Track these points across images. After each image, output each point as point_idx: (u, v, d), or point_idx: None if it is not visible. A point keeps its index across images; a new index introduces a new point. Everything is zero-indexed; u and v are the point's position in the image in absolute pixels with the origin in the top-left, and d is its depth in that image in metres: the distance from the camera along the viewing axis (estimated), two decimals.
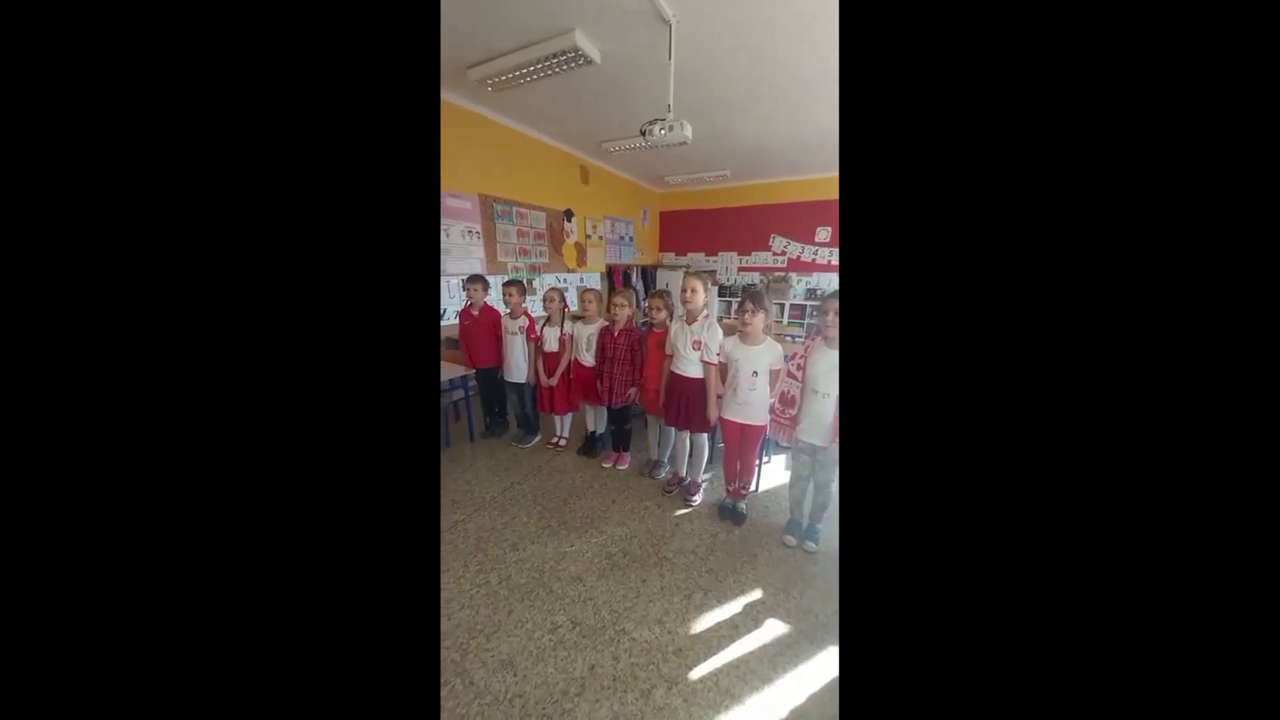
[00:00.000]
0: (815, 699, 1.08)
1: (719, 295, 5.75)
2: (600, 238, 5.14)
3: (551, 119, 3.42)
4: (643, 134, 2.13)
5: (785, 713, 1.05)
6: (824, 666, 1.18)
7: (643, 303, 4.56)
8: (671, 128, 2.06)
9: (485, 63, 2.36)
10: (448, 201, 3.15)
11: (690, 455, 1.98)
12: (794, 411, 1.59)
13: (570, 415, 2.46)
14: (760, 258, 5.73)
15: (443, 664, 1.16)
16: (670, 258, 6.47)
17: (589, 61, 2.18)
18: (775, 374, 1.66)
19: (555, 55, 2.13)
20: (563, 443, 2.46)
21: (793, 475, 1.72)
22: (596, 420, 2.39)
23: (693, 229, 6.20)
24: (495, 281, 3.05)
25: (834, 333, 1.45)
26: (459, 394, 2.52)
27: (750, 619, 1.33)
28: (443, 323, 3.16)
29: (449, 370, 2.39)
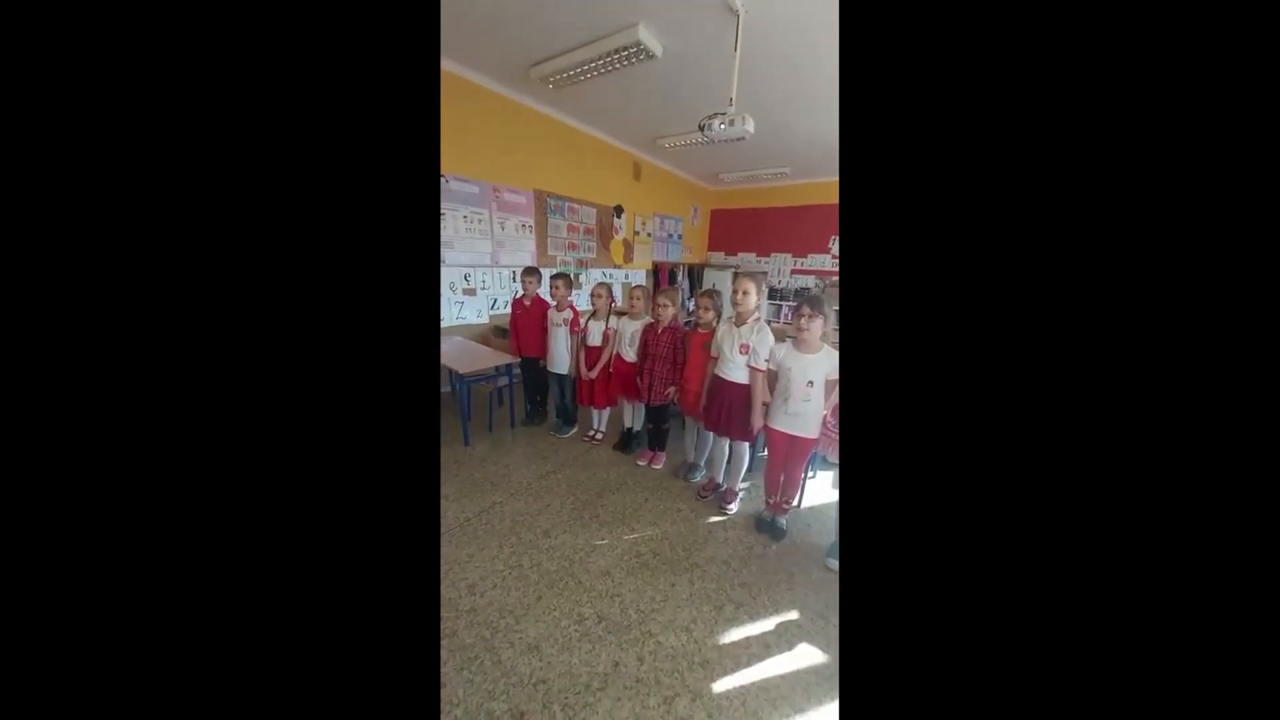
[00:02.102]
0: None
1: (769, 298, 5.54)
2: (649, 234, 5.13)
3: (608, 115, 3.45)
4: (701, 129, 2.08)
5: None
6: None
7: (687, 301, 4.49)
8: (733, 122, 2.00)
9: (548, 61, 2.42)
10: (505, 196, 3.29)
11: (729, 462, 1.91)
12: None
13: (608, 410, 2.47)
14: (818, 260, 5.45)
15: (473, 640, 1.20)
16: (719, 257, 6.33)
17: (650, 56, 2.16)
18: (831, 385, 1.55)
19: (617, 51, 2.13)
20: (599, 436, 2.48)
21: None
22: (634, 417, 2.39)
23: (745, 228, 6.02)
24: (546, 274, 3.14)
25: None
26: (504, 381, 2.61)
27: (784, 640, 1.26)
28: (492, 311, 3.31)
29: (497, 357, 2.49)
